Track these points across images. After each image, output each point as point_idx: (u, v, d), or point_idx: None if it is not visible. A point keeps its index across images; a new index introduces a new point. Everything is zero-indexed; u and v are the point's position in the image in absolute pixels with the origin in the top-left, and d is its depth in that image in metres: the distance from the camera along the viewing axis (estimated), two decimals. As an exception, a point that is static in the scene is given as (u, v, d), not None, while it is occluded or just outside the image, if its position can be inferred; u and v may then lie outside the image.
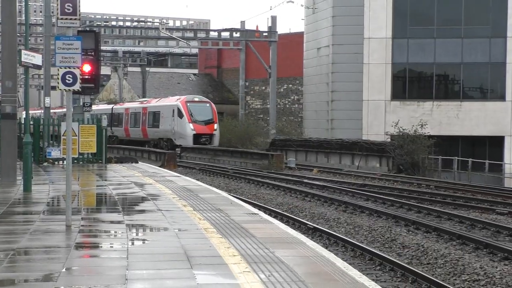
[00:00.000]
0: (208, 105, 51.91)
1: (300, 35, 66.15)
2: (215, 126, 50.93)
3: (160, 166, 33.32)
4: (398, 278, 12.46)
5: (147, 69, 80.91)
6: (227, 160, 43.80)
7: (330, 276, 8.62)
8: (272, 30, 61.04)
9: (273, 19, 61.74)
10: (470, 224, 18.88)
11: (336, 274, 8.72)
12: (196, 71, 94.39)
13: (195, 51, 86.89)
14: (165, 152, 39.80)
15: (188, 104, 50.87)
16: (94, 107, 69.21)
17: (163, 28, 59.73)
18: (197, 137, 49.76)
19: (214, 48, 73.19)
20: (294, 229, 14.50)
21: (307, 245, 10.73)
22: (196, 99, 53.04)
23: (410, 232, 17.48)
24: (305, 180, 31.43)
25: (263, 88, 71.33)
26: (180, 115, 50.58)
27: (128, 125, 60.42)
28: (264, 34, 62.43)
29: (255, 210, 15.18)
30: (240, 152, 44.14)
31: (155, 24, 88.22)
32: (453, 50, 47.81)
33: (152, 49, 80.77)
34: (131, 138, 59.70)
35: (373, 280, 10.38)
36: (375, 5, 48.19)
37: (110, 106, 65.74)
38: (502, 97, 47.33)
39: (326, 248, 13.29)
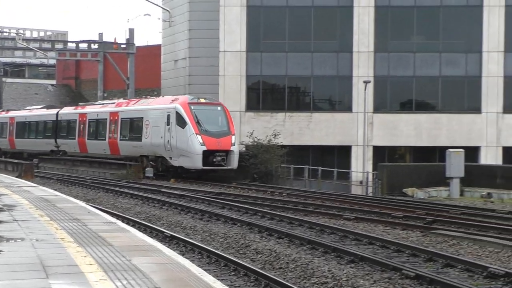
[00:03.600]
0: (220, 108, 38.51)
1: (158, 47, 66.33)
2: (233, 139, 37.58)
3: (17, 177, 32.60)
4: (252, 282, 12.79)
5: (3, 79, 78.51)
6: (85, 170, 43.23)
7: (185, 282, 8.83)
8: (130, 42, 60.98)
9: (131, 31, 61.67)
10: (320, 230, 19.55)
11: (191, 280, 8.95)
12: (54, 81, 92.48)
13: (53, 62, 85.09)
14: (22, 163, 38.88)
15: (192, 107, 37.15)
16: (26, 112, 55.78)
17: (19, 39, 58.26)
18: (207, 155, 36.54)
19: (72, 59, 72.10)
20: (151, 237, 14.73)
21: (163, 252, 10.97)
22: (203, 100, 38.36)
23: (264, 238, 17.97)
24: (163, 189, 31.65)
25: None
26: (181, 123, 36.94)
27: (85, 137, 46.26)
28: (122, 46, 62.29)
29: (113, 219, 15.29)
30: (98, 162, 43.58)
31: (12, 34, 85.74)
32: (304, 63, 49.23)
33: (9, 60, 78.52)
34: (89, 153, 45.65)
35: (227, 285, 10.78)
36: (229, 19, 48.98)
37: (54, 111, 51.63)
38: (349, 109, 49.17)
39: (183, 255, 13.56)
